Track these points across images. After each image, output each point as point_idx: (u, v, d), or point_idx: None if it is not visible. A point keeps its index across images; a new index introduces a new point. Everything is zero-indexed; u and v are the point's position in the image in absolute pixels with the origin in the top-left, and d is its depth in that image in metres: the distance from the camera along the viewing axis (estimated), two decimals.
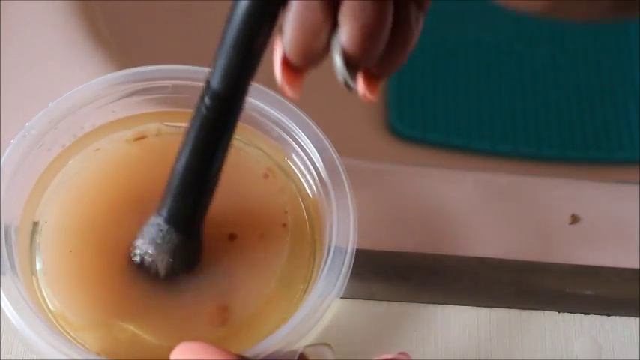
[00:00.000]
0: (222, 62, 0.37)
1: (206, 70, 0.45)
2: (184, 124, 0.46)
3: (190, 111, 0.46)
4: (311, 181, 0.45)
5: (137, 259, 0.42)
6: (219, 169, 0.40)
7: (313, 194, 0.45)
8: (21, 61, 0.54)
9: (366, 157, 0.53)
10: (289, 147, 0.46)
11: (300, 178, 0.46)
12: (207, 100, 0.38)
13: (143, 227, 0.42)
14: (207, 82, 0.38)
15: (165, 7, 0.64)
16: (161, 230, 0.41)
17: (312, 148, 0.44)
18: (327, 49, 0.36)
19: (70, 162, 0.45)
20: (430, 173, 0.53)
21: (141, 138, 0.46)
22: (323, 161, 0.44)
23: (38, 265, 0.43)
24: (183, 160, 0.39)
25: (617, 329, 0.48)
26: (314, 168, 0.45)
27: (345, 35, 0.35)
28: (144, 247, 0.41)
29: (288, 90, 0.37)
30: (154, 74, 0.45)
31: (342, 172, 0.44)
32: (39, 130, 0.44)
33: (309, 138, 0.45)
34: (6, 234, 0.42)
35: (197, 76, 0.45)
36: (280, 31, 0.36)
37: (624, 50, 0.73)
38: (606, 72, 0.73)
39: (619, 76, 0.72)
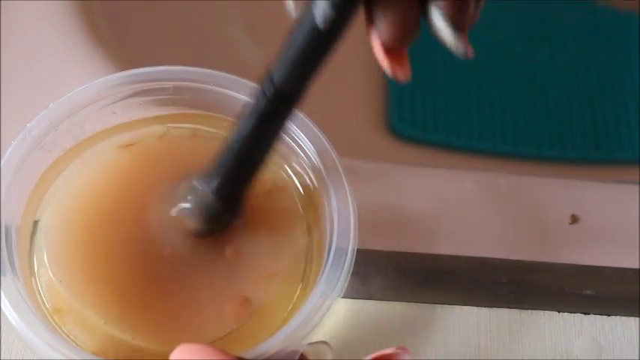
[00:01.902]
0: (287, 63, 0.37)
1: (207, 71, 0.45)
2: (187, 125, 0.47)
3: (192, 112, 0.46)
4: (311, 181, 0.45)
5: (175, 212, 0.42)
6: (268, 153, 0.41)
7: (313, 194, 0.45)
8: (21, 61, 0.54)
9: (366, 157, 0.53)
10: (289, 147, 0.46)
11: (300, 178, 0.46)
12: (268, 94, 0.38)
13: (182, 190, 0.43)
14: (270, 76, 0.37)
15: (165, 7, 0.64)
16: (203, 196, 0.42)
17: (312, 148, 0.44)
18: (418, 24, 0.36)
19: (70, 164, 0.45)
20: (430, 173, 0.53)
21: (132, 144, 0.46)
22: (323, 161, 0.44)
23: (38, 265, 0.43)
24: (235, 144, 0.40)
25: (617, 329, 0.48)
26: (314, 168, 0.45)
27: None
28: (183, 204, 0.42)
29: (399, 74, 0.37)
30: (155, 75, 0.45)
31: (341, 173, 0.44)
32: (39, 131, 0.44)
33: (309, 138, 0.45)
34: (6, 234, 0.42)
35: (198, 77, 0.45)
36: (371, 22, 0.36)
37: (624, 50, 0.73)
38: (606, 72, 0.73)
39: (619, 76, 0.72)
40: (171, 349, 0.35)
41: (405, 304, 0.48)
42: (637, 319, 0.48)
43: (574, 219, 0.51)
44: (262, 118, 0.39)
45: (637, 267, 0.49)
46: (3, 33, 0.54)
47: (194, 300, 0.42)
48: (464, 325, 0.47)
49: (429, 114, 0.70)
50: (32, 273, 0.43)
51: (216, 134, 0.46)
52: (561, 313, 0.48)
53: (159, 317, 0.42)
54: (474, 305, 0.48)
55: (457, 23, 0.36)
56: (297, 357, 0.38)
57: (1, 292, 0.40)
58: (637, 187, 0.52)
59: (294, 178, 0.46)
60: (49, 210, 0.44)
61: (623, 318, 0.48)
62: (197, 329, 0.42)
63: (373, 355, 0.36)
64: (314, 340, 0.41)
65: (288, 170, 0.46)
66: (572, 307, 0.48)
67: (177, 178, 0.44)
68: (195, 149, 0.42)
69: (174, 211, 0.43)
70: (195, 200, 0.42)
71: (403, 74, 0.37)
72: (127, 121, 0.46)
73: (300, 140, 0.45)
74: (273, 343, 0.39)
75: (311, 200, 0.45)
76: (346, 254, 0.42)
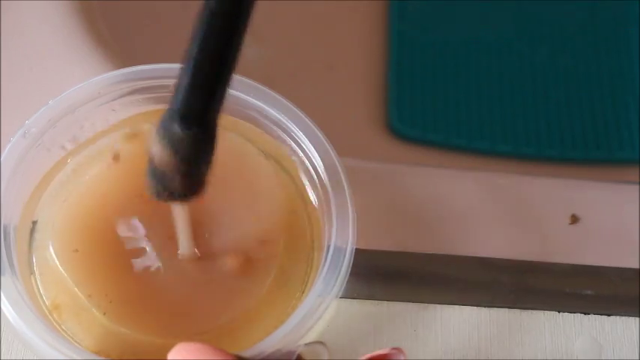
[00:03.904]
0: None
1: None
2: None
3: None
4: (310, 180, 0.45)
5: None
6: (234, 60, 0.36)
7: (312, 194, 0.45)
8: (21, 61, 0.54)
9: (366, 157, 0.53)
10: (289, 147, 0.46)
11: (300, 177, 0.46)
12: None
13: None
14: None
15: (165, 6, 0.64)
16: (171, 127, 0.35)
17: (312, 148, 0.44)
18: None
19: (69, 161, 0.45)
20: (430, 173, 0.53)
21: (130, 138, 0.46)
22: (322, 161, 0.44)
23: (37, 265, 0.43)
24: (195, 49, 0.37)
25: (617, 329, 0.48)
26: (313, 168, 0.45)
27: None
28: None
29: None
30: (155, 73, 0.45)
31: (341, 172, 0.44)
32: (38, 128, 0.44)
33: (309, 138, 0.45)
34: (5, 233, 0.42)
35: None
36: None
37: (624, 50, 0.73)
38: (606, 72, 0.73)
39: (619, 76, 0.72)
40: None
41: (404, 304, 0.48)
42: (637, 319, 0.48)
43: (574, 219, 0.51)
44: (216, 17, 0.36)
45: (637, 267, 0.49)
46: (3, 33, 0.55)
47: (200, 285, 0.43)
48: (464, 325, 0.47)
49: (429, 114, 0.70)
50: (31, 272, 0.43)
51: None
52: (561, 313, 0.48)
53: (171, 309, 0.42)
54: (474, 305, 0.48)
55: None
56: (293, 357, 0.38)
57: (1, 292, 0.40)
58: (637, 187, 0.52)
59: (294, 177, 0.46)
60: (51, 208, 0.44)
61: (623, 318, 0.48)
62: (209, 315, 0.42)
63: (368, 356, 0.36)
64: (311, 340, 0.41)
65: (289, 169, 0.46)
66: (572, 307, 0.48)
67: None
68: None
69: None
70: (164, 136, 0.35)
71: None
72: (127, 119, 0.46)
73: (300, 139, 0.45)
74: (270, 343, 0.39)
75: (311, 199, 0.45)
76: (345, 255, 0.42)
